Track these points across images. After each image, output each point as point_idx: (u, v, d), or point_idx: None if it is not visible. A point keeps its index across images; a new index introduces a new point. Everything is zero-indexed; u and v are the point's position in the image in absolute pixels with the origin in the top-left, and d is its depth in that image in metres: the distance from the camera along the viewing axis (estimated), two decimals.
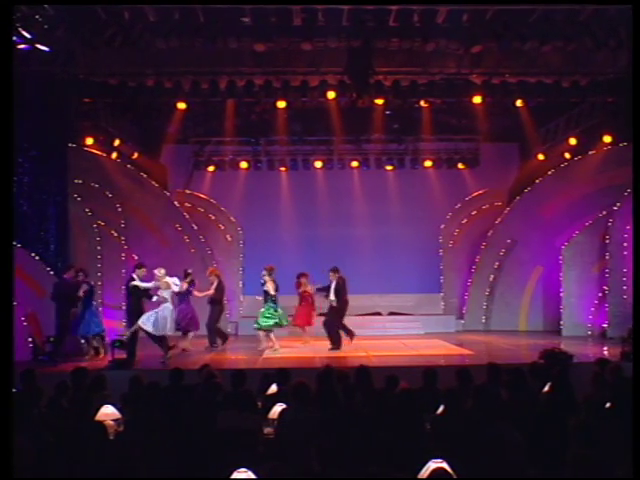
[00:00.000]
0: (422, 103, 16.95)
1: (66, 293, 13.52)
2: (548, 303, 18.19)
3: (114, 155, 17.82)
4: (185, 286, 14.55)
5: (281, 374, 8.20)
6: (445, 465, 4.54)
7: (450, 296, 19.85)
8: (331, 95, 15.64)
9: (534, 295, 18.54)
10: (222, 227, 19.88)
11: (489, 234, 19.10)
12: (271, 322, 14.50)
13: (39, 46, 13.02)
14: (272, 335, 14.67)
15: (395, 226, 20.25)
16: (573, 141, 18.01)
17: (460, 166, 20.37)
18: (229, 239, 19.85)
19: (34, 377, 7.98)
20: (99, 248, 15.99)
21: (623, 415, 5.97)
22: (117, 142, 17.75)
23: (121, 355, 12.54)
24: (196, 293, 15.32)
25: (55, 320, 13.44)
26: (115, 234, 16.76)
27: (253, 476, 4.59)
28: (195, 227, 18.81)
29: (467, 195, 20.24)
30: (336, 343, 14.73)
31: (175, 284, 13.54)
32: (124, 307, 16.47)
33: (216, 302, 15.67)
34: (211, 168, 20.30)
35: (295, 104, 16.86)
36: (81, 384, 8.06)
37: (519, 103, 16.60)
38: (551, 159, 18.85)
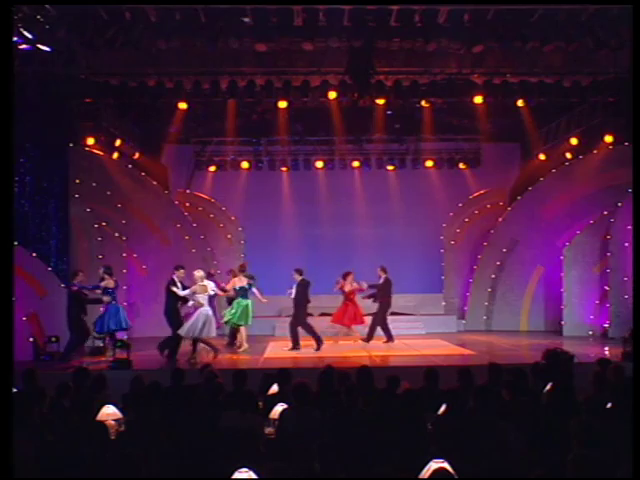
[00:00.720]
0: (423, 103, 16.94)
1: (80, 298, 13.66)
2: (549, 303, 18.19)
3: (115, 155, 17.82)
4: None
5: (282, 374, 8.19)
6: (446, 465, 4.54)
7: (451, 296, 19.85)
8: (332, 95, 15.64)
9: (535, 295, 18.53)
10: (223, 227, 19.89)
11: (490, 234, 19.09)
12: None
13: (40, 46, 13.02)
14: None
15: (396, 226, 20.27)
16: (574, 141, 18.00)
17: (461, 166, 20.39)
18: (230, 239, 19.85)
19: (35, 377, 7.99)
20: (100, 248, 15.97)
21: (624, 415, 5.97)
22: (118, 142, 17.76)
23: (122, 355, 12.54)
24: (220, 293, 15.12)
25: (70, 323, 13.53)
26: (116, 234, 16.76)
27: (254, 476, 4.59)
28: (196, 227, 18.81)
29: (468, 195, 20.24)
30: (297, 344, 14.81)
31: (212, 289, 13.58)
32: (125, 307, 16.55)
33: None
34: (212, 168, 20.33)
35: (296, 104, 16.85)
36: (82, 384, 8.06)
37: (520, 103, 16.58)
38: (552, 159, 18.84)
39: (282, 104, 16.39)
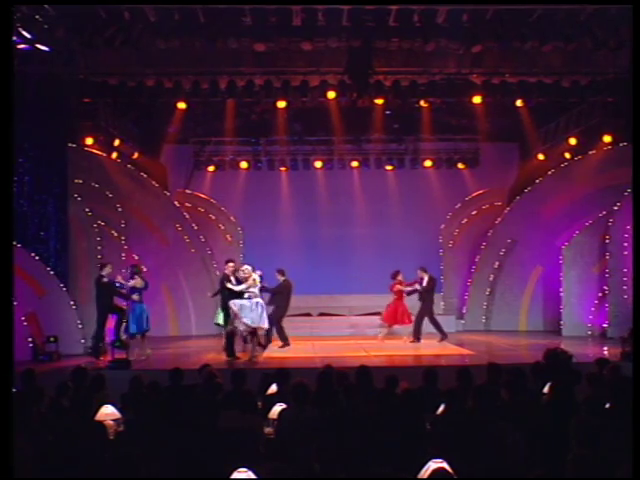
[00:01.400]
0: (422, 103, 16.95)
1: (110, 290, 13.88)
2: (548, 303, 18.19)
3: (114, 155, 17.81)
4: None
5: (281, 374, 8.20)
6: (445, 465, 4.54)
7: (450, 296, 19.83)
8: (331, 95, 15.64)
9: (534, 295, 18.53)
10: (222, 227, 19.88)
11: (489, 234, 19.09)
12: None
13: (39, 46, 13.02)
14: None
15: (395, 226, 20.27)
16: (573, 141, 18.01)
17: (460, 166, 20.39)
18: (229, 239, 19.84)
19: (34, 377, 7.99)
20: (99, 248, 15.96)
21: (623, 415, 5.97)
22: (117, 142, 17.74)
23: (121, 355, 12.54)
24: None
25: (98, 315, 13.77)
26: (115, 234, 16.75)
27: (253, 476, 4.59)
28: (195, 227, 18.80)
29: (467, 195, 20.24)
30: (285, 340, 14.92)
31: (259, 282, 13.64)
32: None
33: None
34: (211, 168, 20.32)
35: (295, 104, 16.85)
36: (81, 384, 8.06)
37: (519, 103, 16.59)
38: (551, 159, 18.85)
39: (281, 104, 16.39)
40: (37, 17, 12.59)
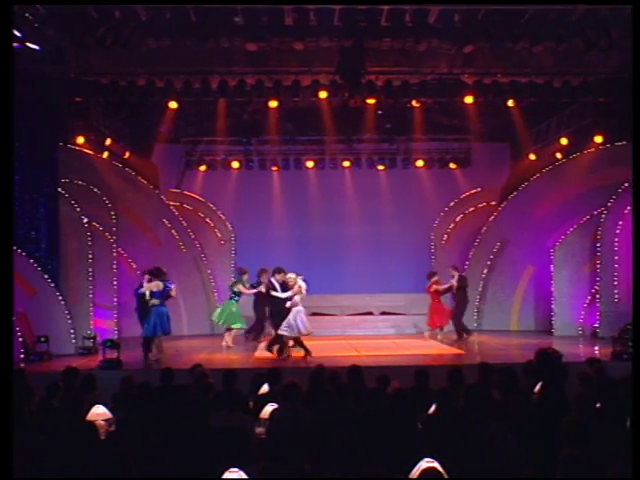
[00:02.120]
0: (414, 103, 16.97)
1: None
2: (539, 303, 18.23)
3: (105, 154, 17.76)
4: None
5: (272, 374, 8.19)
6: (436, 465, 4.54)
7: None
8: (323, 95, 15.63)
9: (526, 295, 18.57)
10: (213, 227, 19.86)
11: (481, 234, 19.12)
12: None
13: (29, 45, 12.96)
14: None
15: (387, 226, 20.27)
16: (564, 141, 18.04)
17: (452, 166, 20.40)
18: (220, 238, 19.82)
19: (25, 377, 7.95)
20: (90, 248, 15.90)
21: (613, 415, 5.99)
22: (108, 141, 17.69)
23: (112, 355, 12.51)
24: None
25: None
26: (106, 234, 16.70)
27: (245, 476, 4.59)
28: (186, 227, 18.78)
29: (459, 195, 20.27)
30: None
31: (305, 289, 13.70)
32: (116, 307, 16.52)
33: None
34: (203, 168, 20.27)
35: (287, 104, 16.84)
36: (72, 384, 8.04)
37: (510, 103, 16.62)
38: (542, 159, 18.88)
39: (273, 104, 16.38)
40: (27, 15, 12.53)
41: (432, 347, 15.28)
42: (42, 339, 13.72)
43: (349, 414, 6.46)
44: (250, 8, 13.10)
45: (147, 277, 14.03)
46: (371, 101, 16.50)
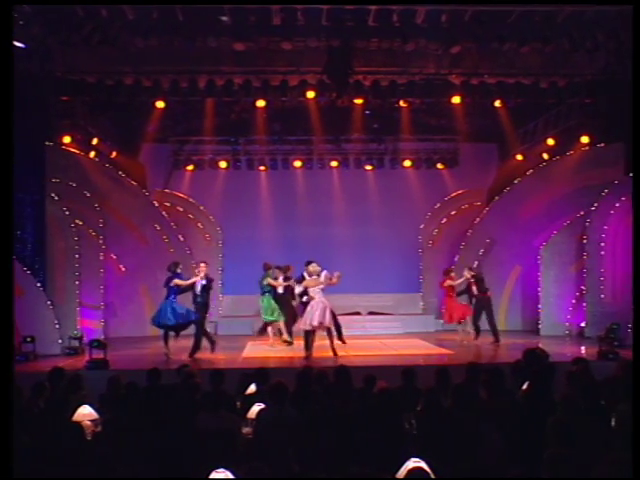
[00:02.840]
0: (401, 103, 17.01)
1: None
2: (526, 303, 18.28)
3: (92, 154, 17.68)
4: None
5: (260, 374, 8.18)
6: (423, 464, 4.54)
7: (429, 296, 19.87)
8: (311, 95, 15.64)
9: (513, 295, 18.63)
10: (201, 226, 19.83)
11: (468, 234, 19.17)
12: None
13: (15, 43, 12.88)
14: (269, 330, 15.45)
15: (374, 226, 20.29)
16: (551, 142, 18.13)
17: (439, 166, 20.45)
18: (208, 238, 19.80)
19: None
20: (77, 247, 15.81)
21: (598, 414, 6.01)
22: (95, 141, 17.62)
23: (99, 355, 12.46)
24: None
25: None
26: (93, 233, 16.63)
27: (231, 476, 4.58)
28: (174, 226, 18.73)
29: (446, 195, 20.32)
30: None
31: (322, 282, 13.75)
32: (103, 307, 16.46)
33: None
34: (190, 167, 20.23)
35: (275, 103, 16.85)
36: (58, 384, 8.00)
37: (498, 103, 16.67)
38: (529, 159, 18.96)
39: (260, 103, 16.38)
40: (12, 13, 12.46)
41: (420, 347, 15.29)
42: (28, 339, 13.64)
43: (336, 414, 6.46)
44: (238, 8, 13.09)
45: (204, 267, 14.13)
46: (359, 101, 16.52)
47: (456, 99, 15.95)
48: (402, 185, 20.49)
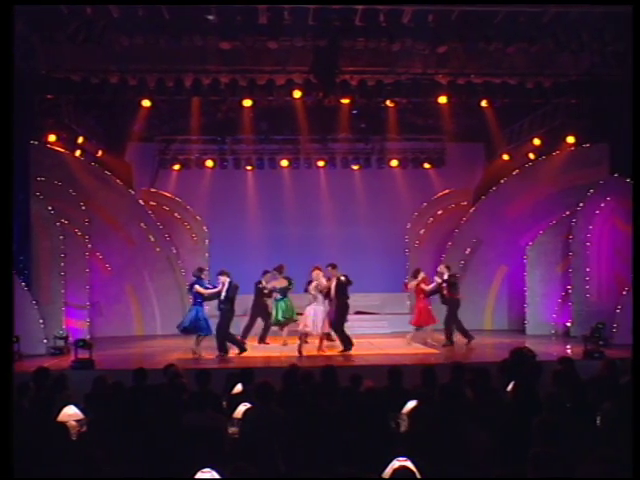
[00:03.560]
0: (388, 103, 17.02)
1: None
2: (513, 302, 18.35)
3: (78, 153, 17.59)
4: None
5: (246, 373, 8.18)
6: (409, 464, 4.54)
7: None
8: (297, 94, 15.63)
9: (499, 294, 18.70)
10: (188, 226, 19.75)
11: (454, 233, 19.21)
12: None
13: None
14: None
15: (361, 225, 20.31)
16: (537, 142, 18.21)
17: (426, 166, 20.50)
18: (195, 238, 19.72)
19: None
20: (62, 247, 15.72)
21: (583, 413, 6.04)
22: (81, 139, 17.52)
23: (84, 355, 12.40)
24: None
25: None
26: (79, 233, 16.54)
27: (217, 476, 4.56)
28: (160, 226, 18.66)
29: (433, 195, 20.37)
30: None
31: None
32: (88, 306, 16.38)
33: None
34: (177, 166, 20.17)
35: (261, 103, 16.82)
36: (43, 384, 7.95)
37: (484, 103, 16.73)
38: (516, 159, 19.03)
39: (247, 103, 16.36)
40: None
41: (406, 347, 15.29)
42: (13, 339, 13.53)
43: (322, 414, 6.45)
44: (224, 7, 13.06)
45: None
46: (345, 101, 16.52)
47: (442, 99, 15.98)
48: (389, 185, 20.52)
